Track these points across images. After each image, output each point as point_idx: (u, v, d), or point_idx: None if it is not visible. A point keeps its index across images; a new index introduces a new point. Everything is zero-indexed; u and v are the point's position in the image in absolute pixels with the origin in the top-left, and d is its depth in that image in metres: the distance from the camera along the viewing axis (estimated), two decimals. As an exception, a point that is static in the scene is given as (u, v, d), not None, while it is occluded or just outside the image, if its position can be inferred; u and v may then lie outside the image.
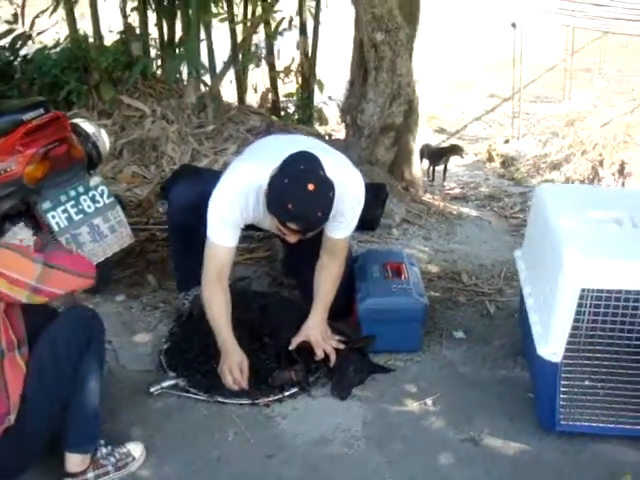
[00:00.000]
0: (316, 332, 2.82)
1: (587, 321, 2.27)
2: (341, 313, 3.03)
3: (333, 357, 2.79)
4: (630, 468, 2.36)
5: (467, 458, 2.44)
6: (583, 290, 2.22)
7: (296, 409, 2.68)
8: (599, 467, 2.40)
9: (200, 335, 2.93)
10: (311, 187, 2.40)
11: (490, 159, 9.07)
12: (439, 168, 7.21)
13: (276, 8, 5.59)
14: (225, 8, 5.51)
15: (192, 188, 3.02)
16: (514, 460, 2.44)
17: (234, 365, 2.63)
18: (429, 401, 2.70)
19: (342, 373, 2.76)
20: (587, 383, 2.43)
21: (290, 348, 2.81)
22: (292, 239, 2.58)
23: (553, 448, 2.46)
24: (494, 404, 2.68)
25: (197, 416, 2.66)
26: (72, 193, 3.04)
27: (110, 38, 5.30)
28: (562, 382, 2.36)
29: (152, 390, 2.72)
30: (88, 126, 3.24)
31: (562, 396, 2.38)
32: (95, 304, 3.35)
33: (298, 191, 2.40)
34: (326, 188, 2.46)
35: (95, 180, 3.11)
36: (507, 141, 9.66)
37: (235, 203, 2.63)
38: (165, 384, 2.74)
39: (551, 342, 2.31)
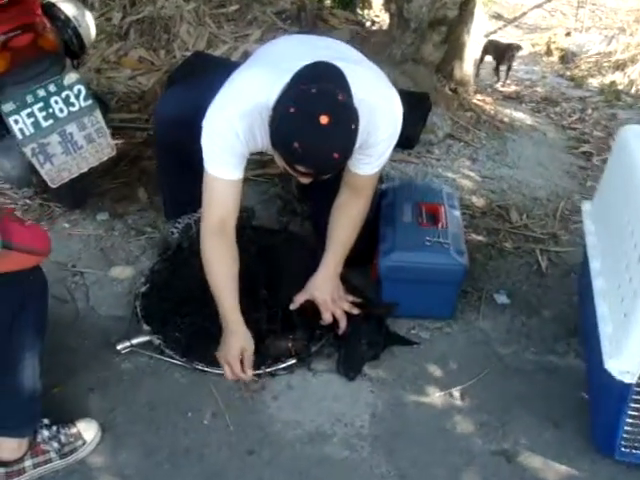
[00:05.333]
0: (325, 290, 2.27)
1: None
2: (359, 259, 2.44)
3: (343, 324, 2.26)
4: None
5: (496, 479, 1.94)
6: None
7: (291, 387, 2.18)
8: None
9: (185, 278, 2.42)
10: (324, 120, 1.77)
11: (549, 52, 8.21)
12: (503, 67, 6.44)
13: None
14: None
15: (186, 95, 2.41)
16: (556, 486, 1.93)
17: (235, 352, 2.09)
18: (456, 392, 2.17)
19: (352, 345, 2.24)
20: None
21: (291, 308, 2.27)
22: (304, 180, 1.99)
23: (606, 477, 1.93)
24: (537, 403, 2.14)
25: (170, 386, 2.18)
26: (41, 93, 2.45)
27: None
28: (631, 404, 1.79)
29: (119, 348, 2.24)
30: (68, 7, 2.59)
31: (629, 420, 1.83)
32: (72, 222, 2.84)
33: (307, 125, 1.78)
34: (346, 120, 1.83)
35: (70, 77, 2.50)
36: (569, 34, 8.68)
37: (237, 127, 2.02)
38: (135, 341, 2.25)
39: (626, 356, 1.73)
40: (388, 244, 2.36)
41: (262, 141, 2.08)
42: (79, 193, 2.82)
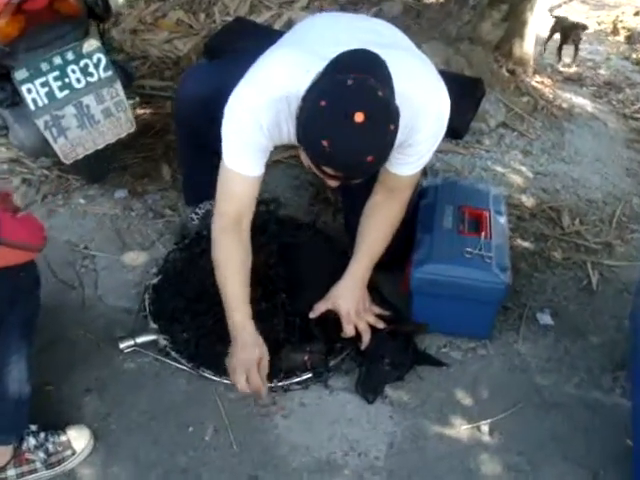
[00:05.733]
0: (349, 300, 2.06)
1: None
2: (391, 263, 2.21)
3: (366, 339, 2.05)
4: None
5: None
6: None
7: (303, 405, 1.99)
8: None
9: (200, 272, 2.22)
10: (359, 117, 1.53)
11: (615, 32, 7.73)
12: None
13: None
14: None
15: (212, 74, 2.20)
16: None
17: (250, 363, 1.87)
18: (485, 426, 1.96)
19: (374, 364, 2.03)
20: None
21: (310, 317, 2.07)
22: (331, 183, 1.77)
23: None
24: (575, 446, 1.92)
25: (173, 393, 2.01)
26: (57, 61, 2.25)
27: None
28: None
29: (122, 347, 2.07)
30: (92, -34, 2.38)
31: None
32: (88, 199, 2.67)
33: (338, 122, 1.55)
34: (384, 119, 1.59)
35: (90, 45, 2.29)
36: (638, 13, 8.17)
37: (261, 118, 1.80)
38: (140, 340, 2.08)
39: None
40: (423, 253, 2.13)
41: (289, 134, 1.86)
42: (98, 167, 2.64)
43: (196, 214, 2.45)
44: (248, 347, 1.89)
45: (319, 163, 1.65)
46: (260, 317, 2.01)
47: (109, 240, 2.49)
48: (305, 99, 1.64)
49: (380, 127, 1.58)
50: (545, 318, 2.31)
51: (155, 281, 2.27)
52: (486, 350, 2.18)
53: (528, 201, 2.95)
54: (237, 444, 1.88)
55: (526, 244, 2.67)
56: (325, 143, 1.55)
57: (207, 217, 2.43)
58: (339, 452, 1.88)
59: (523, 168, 3.19)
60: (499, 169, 3.12)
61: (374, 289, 2.17)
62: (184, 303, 2.16)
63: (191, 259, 2.30)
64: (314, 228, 2.46)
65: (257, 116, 1.79)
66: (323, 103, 1.56)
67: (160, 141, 2.94)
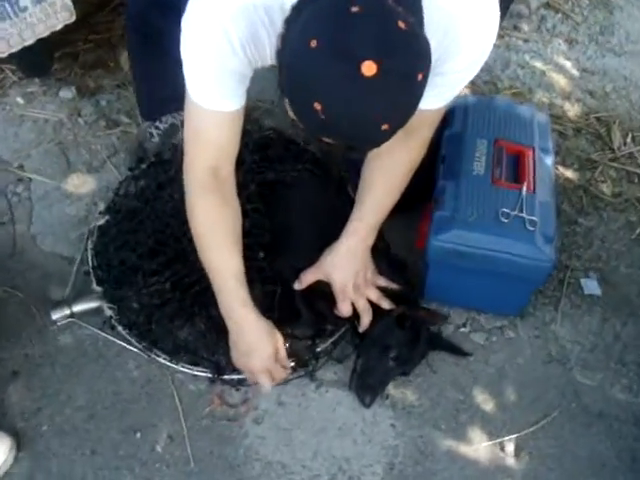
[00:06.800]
0: (346, 271, 1.59)
1: None
2: (405, 203, 1.70)
3: (366, 320, 1.60)
4: None
5: None
6: None
7: (282, 405, 1.58)
8: None
9: (160, 214, 1.74)
10: (370, 70, 0.96)
11: None
12: None
13: None
14: None
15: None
16: None
17: (270, 361, 1.50)
18: (510, 445, 1.55)
19: (375, 356, 1.59)
20: None
21: (295, 287, 1.61)
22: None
23: None
24: (624, 475, 1.53)
25: (118, 381, 1.60)
26: None
27: None
28: None
29: (55, 318, 1.63)
30: None
31: None
32: (28, 97, 2.13)
33: (338, 76, 0.97)
34: (407, 68, 1.00)
35: None
36: None
37: (232, 35, 1.20)
38: (78, 308, 1.64)
39: None
40: (445, 211, 1.63)
41: (272, 55, 1.30)
42: (40, 56, 2.07)
43: (156, 129, 1.92)
44: (261, 343, 1.49)
45: (311, 130, 1.11)
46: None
47: (50, 157, 1.98)
48: (289, 26, 1.07)
49: (401, 81, 1.01)
50: (591, 286, 1.85)
51: (101, 222, 1.78)
52: (515, 331, 1.74)
53: (572, 110, 2.42)
54: (196, 460, 1.48)
55: (569, 173, 2.17)
56: (317, 106, 1.00)
57: (171, 133, 1.91)
58: (324, 475, 1.48)
59: (567, 64, 2.62)
60: (539, 65, 2.56)
61: (379, 249, 1.69)
62: (136, 258, 1.68)
63: (147, 195, 1.80)
64: (306, 153, 1.91)
65: (227, 31, 1.21)
66: (314, 43, 0.98)
67: (119, 19, 2.33)
